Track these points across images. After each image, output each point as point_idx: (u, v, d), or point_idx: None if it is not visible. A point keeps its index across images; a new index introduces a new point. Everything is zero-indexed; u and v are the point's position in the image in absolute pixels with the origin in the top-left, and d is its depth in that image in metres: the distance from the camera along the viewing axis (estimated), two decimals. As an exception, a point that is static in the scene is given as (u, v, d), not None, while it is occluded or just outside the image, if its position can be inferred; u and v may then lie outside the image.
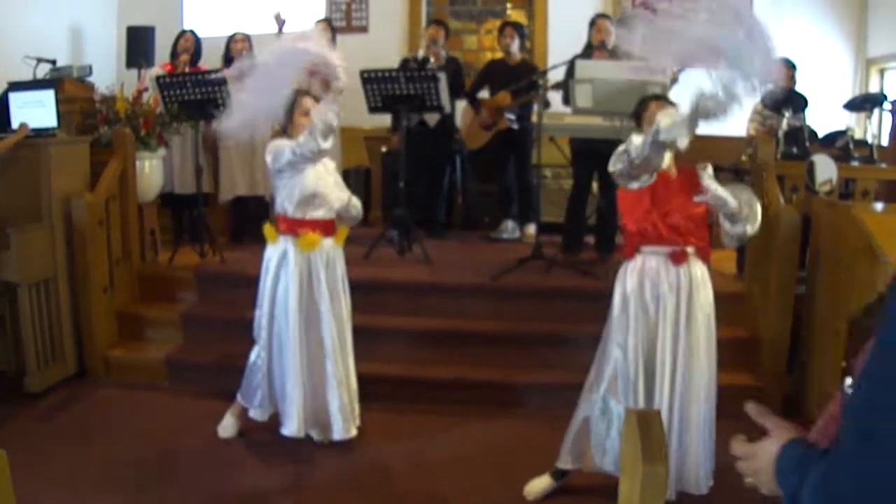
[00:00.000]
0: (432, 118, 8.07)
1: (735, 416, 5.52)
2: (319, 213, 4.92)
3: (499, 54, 8.46)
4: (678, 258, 4.32)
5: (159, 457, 4.88)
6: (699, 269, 4.41)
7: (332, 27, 8.25)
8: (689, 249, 4.34)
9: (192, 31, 8.32)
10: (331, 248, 4.99)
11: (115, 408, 5.69)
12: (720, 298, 6.22)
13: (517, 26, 8.38)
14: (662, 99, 4.48)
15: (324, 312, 4.90)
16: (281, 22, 7.88)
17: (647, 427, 2.20)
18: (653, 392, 4.25)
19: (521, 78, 7.57)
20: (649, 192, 4.29)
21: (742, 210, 4.32)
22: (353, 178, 8.78)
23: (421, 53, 8.25)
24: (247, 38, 8.11)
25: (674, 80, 6.75)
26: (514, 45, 8.19)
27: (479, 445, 5.11)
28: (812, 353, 5.63)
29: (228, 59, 8.04)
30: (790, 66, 7.51)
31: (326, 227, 4.95)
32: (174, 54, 8.18)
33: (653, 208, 4.29)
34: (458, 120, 8.62)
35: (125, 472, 4.65)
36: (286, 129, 4.95)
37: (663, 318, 4.29)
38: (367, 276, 6.59)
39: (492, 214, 8.85)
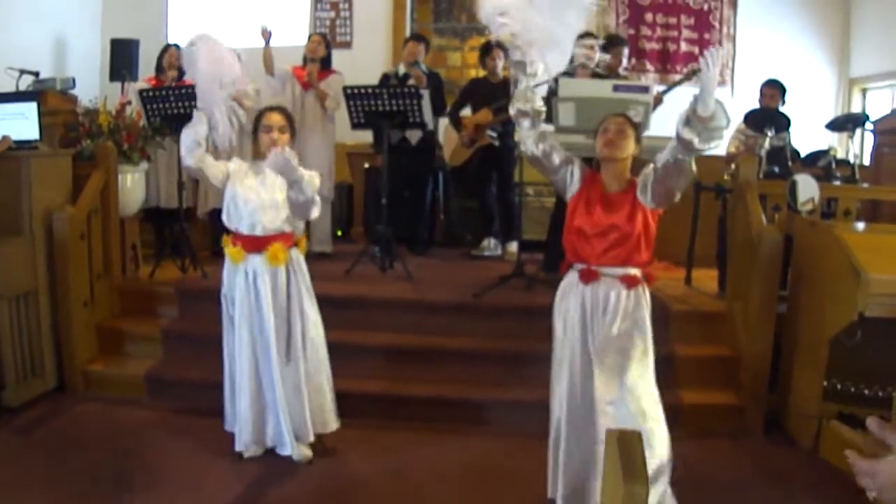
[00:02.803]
0: (414, 135, 8.07)
1: (718, 434, 5.55)
2: (243, 229, 4.90)
3: (482, 72, 8.45)
4: (585, 276, 4.21)
5: (137, 472, 4.84)
6: (615, 293, 4.17)
7: (327, 42, 8.24)
8: (602, 269, 4.17)
9: (176, 46, 8.29)
10: (260, 263, 4.87)
11: (94, 423, 5.65)
12: (702, 317, 6.28)
13: (503, 46, 8.39)
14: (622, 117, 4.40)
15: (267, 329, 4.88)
16: (268, 36, 7.85)
17: (627, 447, 2.19)
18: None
19: (504, 96, 7.58)
20: (581, 201, 4.26)
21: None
22: (335, 193, 8.77)
23: (402, 69, 8.25)
24: (232, 52, 8.08)
25: (658, 102, 6.78)
26: (500, 66, 8.20)
27: (458, 463, 5.09)
28: (794, 371, 5.64)
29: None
30: (778, 88, 7.54)
31: (248, 243, 4.88)
32: (159, 69, 8.15)
33: (574, 219, 4.26)
34: (441, 137, 8.62)
35: (103, 487, 4.61)
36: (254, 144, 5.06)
37: (571, 338, 4.26)
38: (349, 293, 6.58)
39: (474, 232, 8.84)
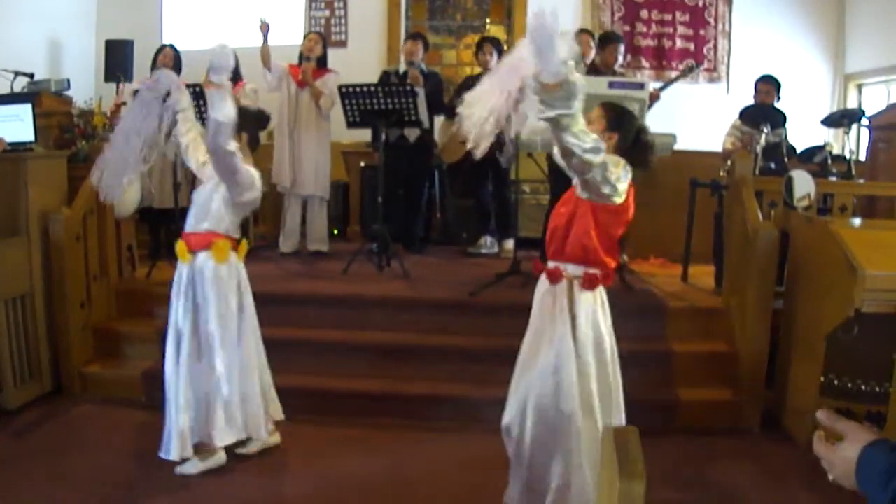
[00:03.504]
0: (412, 133, 8.07)
1: (715, 430, 5.54)
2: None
3: (478, 69, 8.45)
4: (534, 268, 4.33)
5: (135, 473, 4.85)
6: (541, 288, 4.19)
7: (324, 41, 8.21)
8: (548, 263, 4.15)
9: (171, 46, 8.27)
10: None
11: (92, 424, 5.65)
12: (698, 313, 6.29)
13: (495, 42, 8.39)
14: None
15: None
16: (266, 29, 7.81)
17: (624, 444, 2.19)
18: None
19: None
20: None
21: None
22: (331, 192, 8.76)
23: (402, 67, 8.25)
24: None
25: (655, 98, 6.78)
26: (493, 61, 8.20)
27: (457, 461, 5.09)
28: (790, 367, 5.64)
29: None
30: (773, 84, 7.54)
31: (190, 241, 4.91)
32: (154, 69, 8.13)
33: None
34: (437, 135, 8.62)
35: (101, 489, 4.61)
36: None
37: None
38: (346, 292, 6.58)
39: (470, 230, 8.83)
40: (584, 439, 3.93)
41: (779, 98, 7.54)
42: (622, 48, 7.83)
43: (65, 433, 5.51)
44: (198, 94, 7.00)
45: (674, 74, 8.50)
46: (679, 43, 10.25)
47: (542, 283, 4.17)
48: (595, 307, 4.05)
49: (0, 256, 5.63)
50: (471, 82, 8.31)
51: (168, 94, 4.92)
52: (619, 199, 3.89)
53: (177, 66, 8.10)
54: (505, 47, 8.87)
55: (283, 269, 7.36)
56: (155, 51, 8.24)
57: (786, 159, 6.98)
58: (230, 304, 4.90)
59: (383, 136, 7.36)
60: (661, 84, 7.54)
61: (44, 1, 9.44)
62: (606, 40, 7.79)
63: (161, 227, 8.03)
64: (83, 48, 10.25)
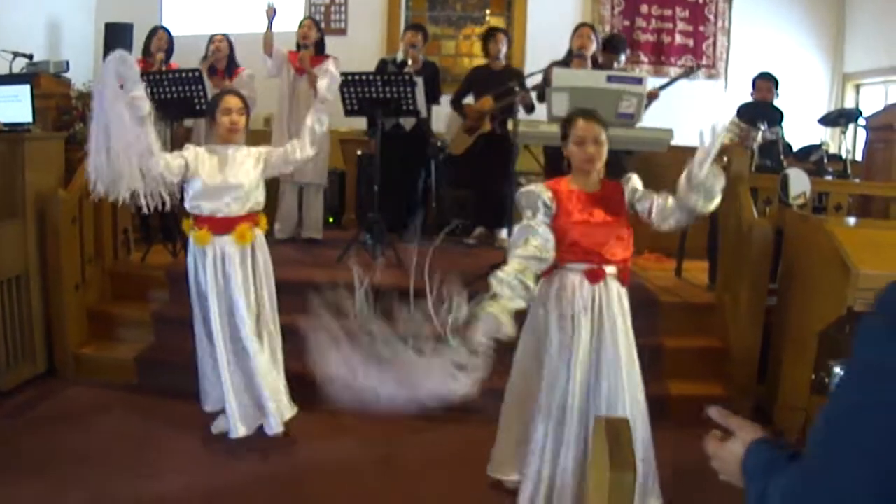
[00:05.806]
0: (408, 121, 8.06)
1: (705, 425, 5.56)
2: (206, 211, 4.96)
3: (478, 60, 8.45)
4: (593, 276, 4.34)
5: (128, 455, 4.86)
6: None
7: (318, 26, 8.21)
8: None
9: (164, 29, 8.26)
10: (230, 244, 4.96)
11: (85, 406, 5.66)
12: (691, 309, 6.30)
13: (506, 32, 8.41)
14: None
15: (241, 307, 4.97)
16: (272, 14, 7.79)
17: (615, 434, 2.20)
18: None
19: (505, 83, 7.60)
20: (569, 207, 4.31)
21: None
22: (328, 180, 8.76)
23: (399, 56, 8.24)
24: (226, 38, 8.05)
25: (653, 97, 6.79)
26: (503, 51, 8.22)
27: (452, 449, 5.11)
28: (782, 364, 5.66)
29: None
30: (772, 81, 7.55)
31: (216, 224, 4.93)
32: (146, 51, 8.12)
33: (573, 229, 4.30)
34: (435, 126, 8.61)
35: (93, 470, 4.63)
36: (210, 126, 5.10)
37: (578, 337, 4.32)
38: (340, 280, 6.57)
39: (465, 220, 8.82)
40: None
41: (777, 96, 7.55)
42: (623, 57, 7.91)
43: (58, 414, 5.53)
44: (196, 80, 7.00)
45: (672, 70, 8.52)
46: (678, 39, 10.24)
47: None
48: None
49: (-4, 237, 5.64)
50: (477, 73, 8.40)
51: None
52: None
53: (169, 49, 8.10)
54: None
55: (279, 256, 7.35)
56: (148, 33, 8.23)
57: (782, 157, 6.99)
58: None
59: (380, 126, 7.35)
60: (662, 83, 7.54)
61: (44, -18, 9.45)
62: (609, 44, 7.84)
63: (149, 210, 8.02)
64: (83, 30, 10.23)
